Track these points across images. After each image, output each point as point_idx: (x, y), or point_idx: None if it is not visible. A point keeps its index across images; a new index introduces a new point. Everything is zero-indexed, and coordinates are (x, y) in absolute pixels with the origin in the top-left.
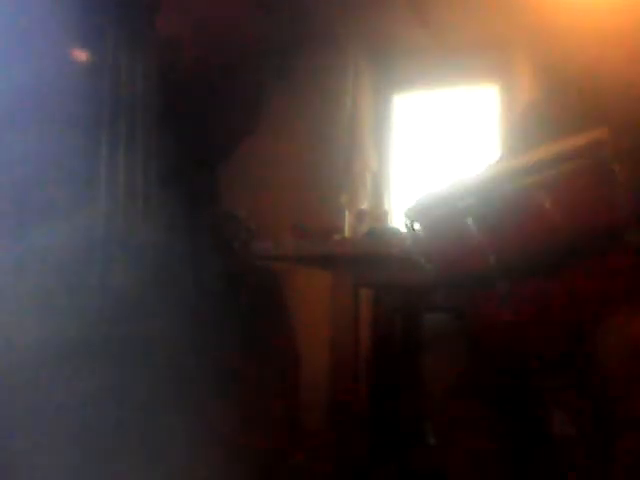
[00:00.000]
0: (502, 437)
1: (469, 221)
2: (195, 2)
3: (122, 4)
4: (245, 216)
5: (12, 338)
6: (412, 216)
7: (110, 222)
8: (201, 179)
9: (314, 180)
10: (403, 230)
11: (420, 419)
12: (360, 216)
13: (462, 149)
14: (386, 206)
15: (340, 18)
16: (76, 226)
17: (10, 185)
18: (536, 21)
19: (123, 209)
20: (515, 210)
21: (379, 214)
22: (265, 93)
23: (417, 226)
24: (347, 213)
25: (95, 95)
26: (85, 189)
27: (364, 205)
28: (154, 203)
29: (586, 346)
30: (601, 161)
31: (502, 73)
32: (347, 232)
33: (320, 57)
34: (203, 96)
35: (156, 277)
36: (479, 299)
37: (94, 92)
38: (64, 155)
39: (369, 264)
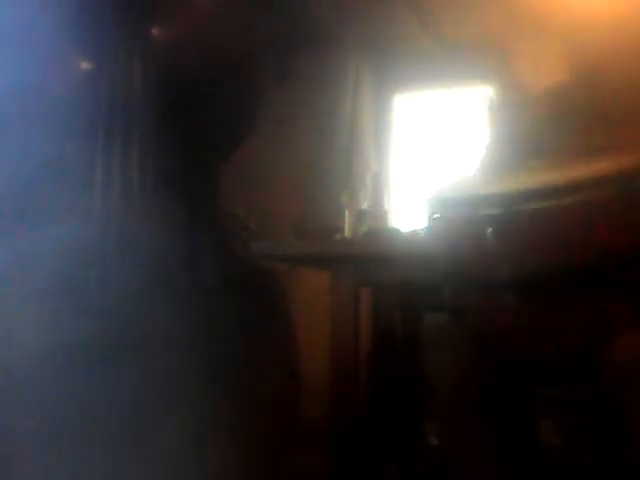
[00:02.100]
0: (500, 439)
1: (489, 231)
2: (194, 2)
3: (120, 7)
4: (245, 216)
5: (11, 339)
6: (434, 206)
7: (108, 222)
8: (201, 179)
9: (314, 180)
10: (403, 230)
11: (420, 419)
12: (360, 216)
13: (461, 149)
14: (386, 206)
15: (340, 18)
16: (74, 227)
17: (7, 186)
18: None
19: (121, 209)
20: (538, 229)
21: (379, 214)
22: (265, 93)
23: (436, 217)
24: (347, 213)
25: (92, 97)
26: (83, 189)
27: (364, 205)
28: (153, 203)
29: (594, 362)
30: (633, 192)
31: (501, 73)
32: (347, 232)
33: (320, 57)
34: (203, 96)
35: (155, 277)
36: (484, 306)
37: (91, 94)
38: (61, 156)
39: (369, 264)
